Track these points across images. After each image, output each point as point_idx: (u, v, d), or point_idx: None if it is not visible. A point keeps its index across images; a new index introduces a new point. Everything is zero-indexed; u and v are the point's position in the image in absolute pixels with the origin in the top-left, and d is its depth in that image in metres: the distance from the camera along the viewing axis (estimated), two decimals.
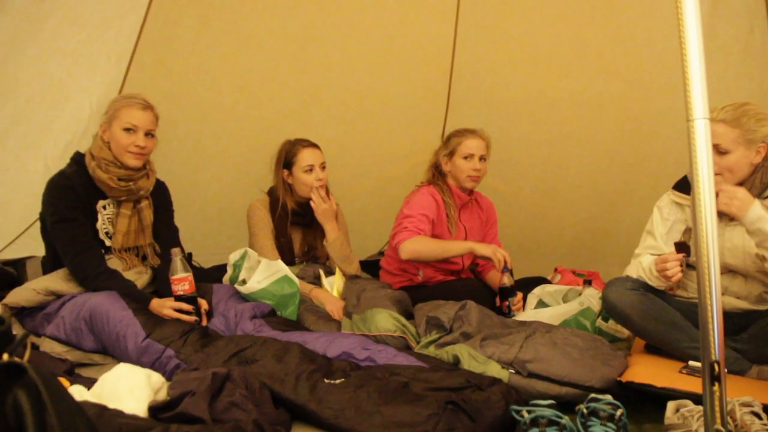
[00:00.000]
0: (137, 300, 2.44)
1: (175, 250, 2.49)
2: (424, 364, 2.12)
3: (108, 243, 2.61)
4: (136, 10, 2.99)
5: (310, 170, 3.02)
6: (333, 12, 3.48)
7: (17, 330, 2.44)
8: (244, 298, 2.74)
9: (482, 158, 3.06)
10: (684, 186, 2.41)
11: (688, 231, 2.40)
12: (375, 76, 3.80)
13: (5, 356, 0.95)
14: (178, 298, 2.46)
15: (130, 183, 2.60)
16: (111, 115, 2.58)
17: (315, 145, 3.09)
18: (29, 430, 0.89)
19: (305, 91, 3.68)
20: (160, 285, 2.62)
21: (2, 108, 2.89)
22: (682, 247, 2.25)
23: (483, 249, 2.88)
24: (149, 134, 2.61)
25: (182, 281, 2.46)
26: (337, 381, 1.89)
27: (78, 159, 2.61)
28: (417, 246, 2.87)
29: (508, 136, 3.88)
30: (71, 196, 2.50)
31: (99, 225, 2.59)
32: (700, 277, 1.26)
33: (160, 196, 2.79)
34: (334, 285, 3.01)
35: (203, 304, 2.55)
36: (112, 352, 2.34)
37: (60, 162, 3.01)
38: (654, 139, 3.46)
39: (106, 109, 2.62)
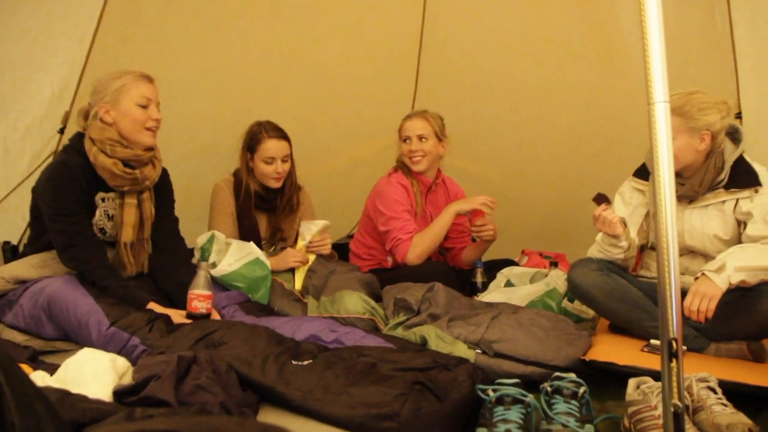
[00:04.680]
0: (131, 304, 2.27)
1: (204, 264, 2.38)
2: (392, 345, 2.14)
3: (100, 237, 2.43)
4: None
5: (271, 162, 2.99)
6: None
7: None
8: (215, 282, 2.69)
9: (421, 138, 3.05)
10: (643, 173, 2.48)
11: (649, 215, 2.46)
12: (343, 57, 3.78)
13: None
14: (191, 316, 2.30)
15: (136, 171, 2.41)
16: (115, 94, 2.37)
17: (281, 136, 3.02)
18: None
19: (272, 71, 3.64)
20: (165, 283, 2.52)
21: None
22: (600, 198, 2.35)
23: (465, 205, 3.02)
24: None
25: (203, 299, 2.32)
26: (305, 362, 1.89)
27: (77, 145, 2.40)
28: (418, 251, 2.95)
29: (476, 118, 3.90)
30: (75, 189, 2.32)
31: (95, 219, 2.41)
32: (659, 256, 1.29)
33: (162, 185, 2.62)
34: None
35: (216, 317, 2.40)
36: (75, 339, 2.21)
37: (21, 145, 2.94)
38: (620, 125, 3.50)
39: (98, 91, 2.40)
